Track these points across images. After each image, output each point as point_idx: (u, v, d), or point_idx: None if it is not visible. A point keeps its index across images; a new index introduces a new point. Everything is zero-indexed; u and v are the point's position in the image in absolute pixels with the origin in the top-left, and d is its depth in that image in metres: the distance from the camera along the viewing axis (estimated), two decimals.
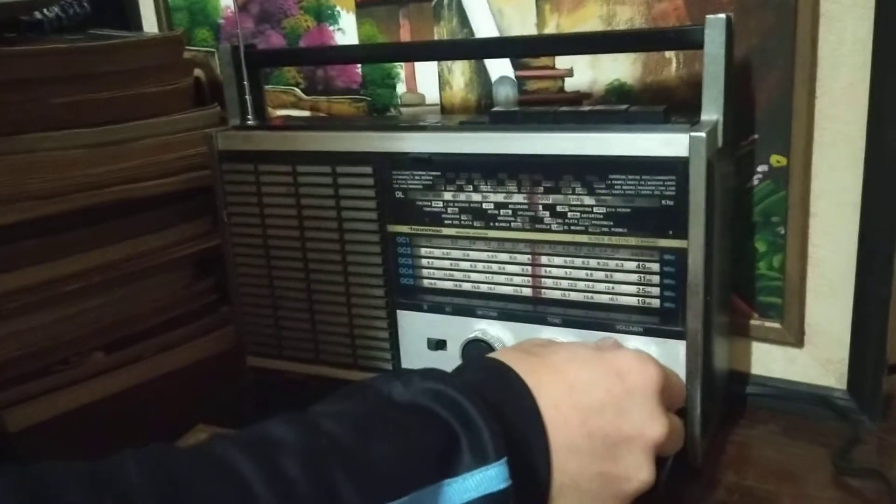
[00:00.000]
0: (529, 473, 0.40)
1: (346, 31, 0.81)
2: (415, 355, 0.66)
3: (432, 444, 0.37)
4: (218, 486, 0.32)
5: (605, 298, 0.58)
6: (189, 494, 0.31)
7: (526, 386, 0.42)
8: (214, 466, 0.33)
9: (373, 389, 0.41)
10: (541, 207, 0.58)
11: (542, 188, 0.58)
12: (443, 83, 0.77)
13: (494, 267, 0.61)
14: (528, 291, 0.61)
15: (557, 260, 0.59)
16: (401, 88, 0.80)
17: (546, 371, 0.44)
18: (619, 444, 0.43)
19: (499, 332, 0.62)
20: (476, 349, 0.62)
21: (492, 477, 0.37)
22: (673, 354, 0.57)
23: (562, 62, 0.71)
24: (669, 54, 0.66)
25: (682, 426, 0.52)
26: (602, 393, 0.44)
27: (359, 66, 0.82)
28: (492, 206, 0.60)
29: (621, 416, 0.44)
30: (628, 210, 0.56)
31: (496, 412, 0.39)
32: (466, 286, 0.63)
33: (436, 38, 0.76)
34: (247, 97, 0.72)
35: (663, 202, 0.54)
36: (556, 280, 0.59)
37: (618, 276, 0.57)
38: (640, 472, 0.44)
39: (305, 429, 0.36)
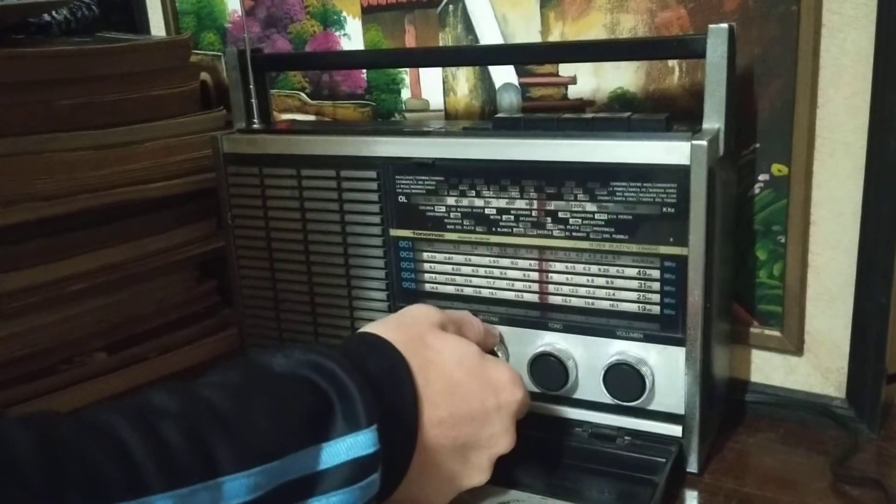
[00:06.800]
0: (396, 455, 0.43)
1: (352, 36, 0.82)
2: None
3: (307, 410, 0.40)
4: (100, 452, 0.33)
5: (605, 304, 0.58)
6: (72, 460, 0.32)
7: (413, 378, 0.45)
8: (97, 433, 0.34)
9: (255, 361, 0.44)
10: (543, 213, 0.59)
11: (544, 194, 0.58)
12: (447, 89, 0.78)
13: (496, 272, 0.62)
14: (529, 297, 0.61)
15: (559, 266, 0.59)
16: (405, 94, 0.81)
17: (435, 371, 0.47)
18: (473, 449, 0.48)
19: None
20: None
21: (361, 442, 0.40)
22: (672, 361, 0.57)
23: (565, 70, 0.71)
24: (672, 63, 0.66)
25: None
26: (477, 404, 0.48)
27: (364, 71, 0.82)
28: (494, 211, 0.60)
29: (484, 427, 0.48)
30: (629, 217, 0.56)
31: (377, 390, 0.42)
32: (468, 291, 0.63)
33: (441, 44, 0.77)
34: (252, 101, 0.72)
35: (664, 209, 0.55)
36: (557, 286, 0.60)
37: (618, 283, 0.58)
38: (480, 475, 0.49)
39: (186, 397, 0.38)
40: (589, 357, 0.60)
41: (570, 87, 0.71)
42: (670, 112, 0.58)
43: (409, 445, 0.44)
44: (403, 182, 0.63)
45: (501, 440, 0.49)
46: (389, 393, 0.44)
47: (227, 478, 0.35)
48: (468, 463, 0.48)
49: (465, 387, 0.48)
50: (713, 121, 0.55)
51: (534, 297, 0.61)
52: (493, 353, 0.60)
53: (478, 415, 0.48)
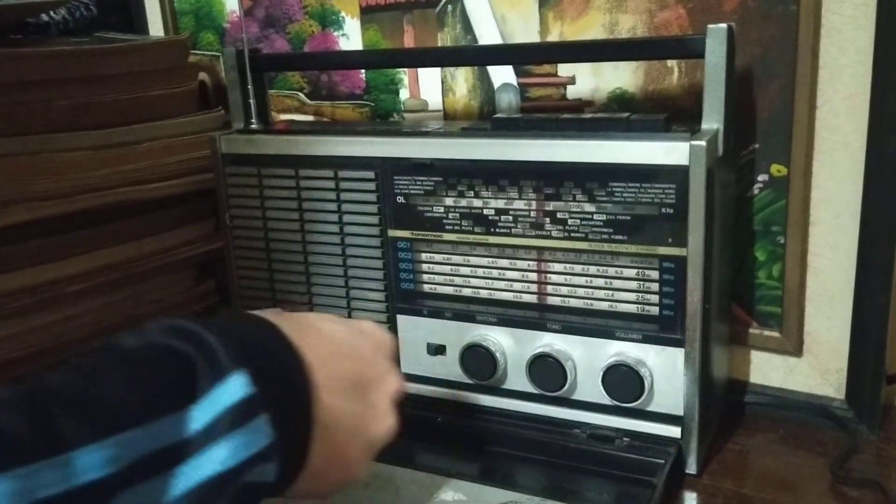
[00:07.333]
0: (291, 406, 0.41)
1: (351, 36, 0.82)
2: (414, 360, 0.66)
3: (166, 375, 0.37)
4: None
5: (604, 305, 0.58)
6: None
7: (279, 329, 0.43)
8: None
9: (104, 345, 0.41)
10: (541, 214, 0.59)
11: (542, 195, 0.58)
12: (446, 89, 0.78)
13: (494, 273, 0.61)
14: (527, 297, 0.61)
15: (557, 266, 0.59)
16: (404, 94, 0.81)
17: (301, 323, 0.46)
18: (368, 388, 0.47)
19: (498, 338, 0.63)
20: (475, 355, 0.63)
21: (232, 388, 0.37)
22: (671, 362, 0.57)
23: (564, 70, 0.71)
24: (671, 63, 0.66)
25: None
26: (351, 347, 0.47)
27: (363, 71, 0.82)
28: (493, 212, 0.60)
29: (368, 366, 0.48)
30: (628, 217, 0.56)
31: (240, 339, 0.40)
32: (466, 291, 0.63)
33: (439, 44, 0.76)
34: (251, 101, 0.72)
35: (663, 210, 0.55)
36: (555, 286, 0.60)
37: (617, 283, 0.57)
38: (387, 417, 0.47)
39: (20, 386, 0.36)
40: (588, 358, 0.60)
41: (568, 87, 0.71)
42: (669, 112, 0.58)
43: (300, 386, 0.41)
44: (402, 182, 0.63)
45: (390, 379, 0.48)
46: (258, 340, 0.41)
47: (76, 452, 0.33)
48: (370, 404, 0.47)
49: (335, 334, 0.47)
50: (712, 121, 0.55)
51: (532, 298, 0.61)
52: None
53: (357, 354, 0.47)
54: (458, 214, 0.61)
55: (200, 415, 0.37)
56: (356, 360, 0.47)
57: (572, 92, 0.71)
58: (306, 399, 0.41)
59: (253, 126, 0.73)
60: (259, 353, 0.40)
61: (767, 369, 0.68)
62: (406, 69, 0.80)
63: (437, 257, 0.63)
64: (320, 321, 0.48)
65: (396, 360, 0.50)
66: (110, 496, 0.33)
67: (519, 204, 0.59)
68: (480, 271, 0.62)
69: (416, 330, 0.66)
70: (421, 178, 0.62)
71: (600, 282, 0.58)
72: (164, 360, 0.38)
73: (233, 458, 0.36)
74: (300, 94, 0.87)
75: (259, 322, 0.44)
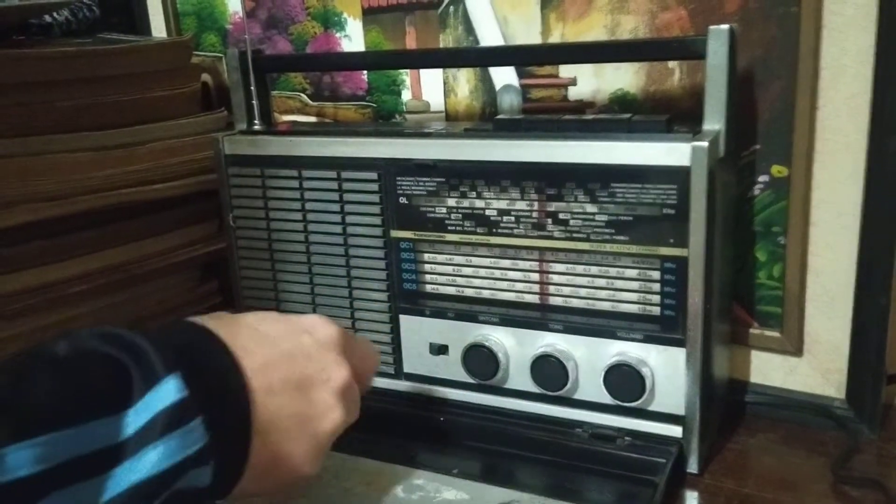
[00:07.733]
0: (227, 409, 0.41)
1: (353, 37, 0.82)
2: (417, 360, 0.67)
3: (98, 378, 0.38)
4: None
5: (606, 305, 0.58)
6: None
7: (215, 334, 0.43)
8: None
9: (35, 350, 0.41)
10: (543, 215, 0.59)
11: (544, 196, 0.58)
12: (448, 90, 0.78)
13: (497, 273, 0.62)
14: (530, 298, 0.61)
15: (559, 267, 0.59)
16: (406, 95, 0.81)
17: (239, 326, 0.46)
18: (310, 387, 0.46)
19: (500, 338, 0.63)
20: (477, 355, 0.63)
21: (165, 392, 0.38)
22: (672, 362, 0.57)
23: (566, 71, 0.71)
24: (672, 64, 0.66)
25: (375, 359, 0.56)
26: (291, 344, 0.47)
27: (365, 72, 0.83)
28: (495, 212, 0.60)
29: (310, 362, 0.47)
30: (630, 218, 0.56)
31: (173, 343, 0.40)
32: (469, 292, 0.63)
33: (441, 45, 0.77)
34: (253, 102, 0.72)
35: (665, 210, 0.55)
36: (557, 287, 0.60)
37: (619, 284, 0.58)
38: (333, 412, 0.47)
39: None
40: (589, 358, 0.60)
41: (570, 88, 0.71)
42: (671, 113, 0.59)
43: (235, 389, 0.42)
44: (404, 183, 0.63)
45: (335, 372, 0.48)
46: (192, 345, 0.42)
47: (6, 449, 0.33)
48: (313, 402, 0.46)
49: (273, 333, 0.47)
50: (713, 122, 0.56)
51: (534, 299, 0.61)
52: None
53: (297, 353, 0.47)
54: (460, 215, 0.62)
55: (135, 419, 0.37)
56: (296, 360, 0.46)
57: (574, 93, 0.71)
58: (242, 402, 0.42)
59: (256, 127, 0.73)
60: (193, 358, 0.40)
61: (768, 369, 0.69)
62: (408, 70, 0.80)
63: (440, 258, 0.63)
64: (259, 322, 0.48)
65: (344, 350, 0.49)
66: (42, 495, 0.33)
67: (521, 205, 0.59)
68: (482, 272, 0.62)
69: (418, 330, 0.66)
70: (423, 178, 0.62)
71: (602, 282, 0.58)
72: (97, 365, 0.38)
73: (166, 461, 0.37)
74: (302, 95, 0.87)
75: (194, 328, 0.44)
